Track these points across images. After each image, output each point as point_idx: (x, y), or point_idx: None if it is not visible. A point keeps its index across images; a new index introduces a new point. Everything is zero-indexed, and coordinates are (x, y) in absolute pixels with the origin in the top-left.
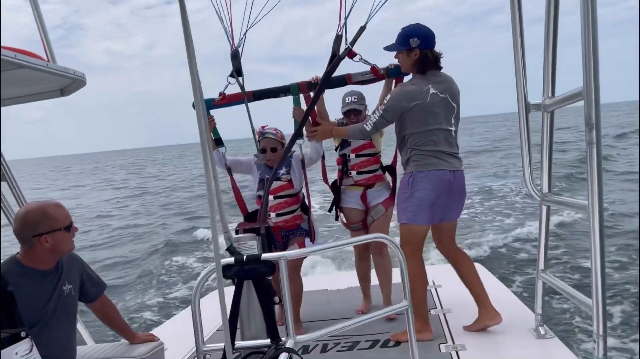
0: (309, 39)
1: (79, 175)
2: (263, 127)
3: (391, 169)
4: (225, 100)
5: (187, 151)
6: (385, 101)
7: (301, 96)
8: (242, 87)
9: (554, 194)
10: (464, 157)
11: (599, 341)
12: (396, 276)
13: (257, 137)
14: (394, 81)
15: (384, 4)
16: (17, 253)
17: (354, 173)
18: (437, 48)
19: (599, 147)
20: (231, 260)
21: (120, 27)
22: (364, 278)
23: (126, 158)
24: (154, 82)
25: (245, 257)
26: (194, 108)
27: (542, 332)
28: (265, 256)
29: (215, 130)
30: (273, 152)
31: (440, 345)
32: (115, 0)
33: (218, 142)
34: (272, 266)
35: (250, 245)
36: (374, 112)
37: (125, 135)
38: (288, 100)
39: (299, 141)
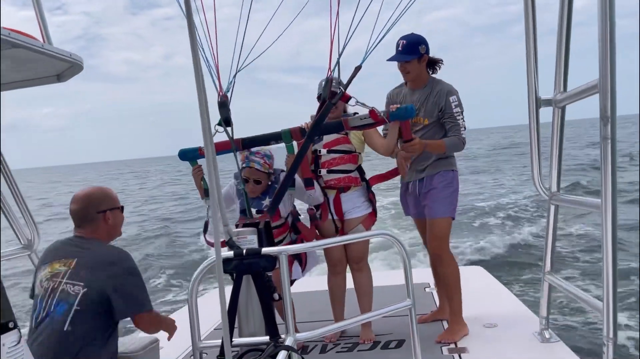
0: (325, 49)
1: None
2: (257, 152)
3: (368, 183)
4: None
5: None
6: (453, 103)
7: (295, 143)
8: (230, 137)
9: (563, 193)
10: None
11: (609, 344)
12: (381, 280)
13: (241, 159)
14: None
15: (379, 42)
16: (74, 235)
17: (324, 171)
18: (455, 58)
19: (614, 142)
20: (230, 253)
21: (140, 37)
22: (337, 300)
23: (146, 167)
24: (172, 91)
25: (244, 251)
26: (180, 158)
27: (547, 336)
28: (265, 250)
29: (203, 180)
30: (257, 184)
31: (443, 348)
32: (136, 11)
33: (207, 192)
34: (272, 260)
35: (250, 239)
36: (455, 119)
37: (144, 144)
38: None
39: (289, 190)
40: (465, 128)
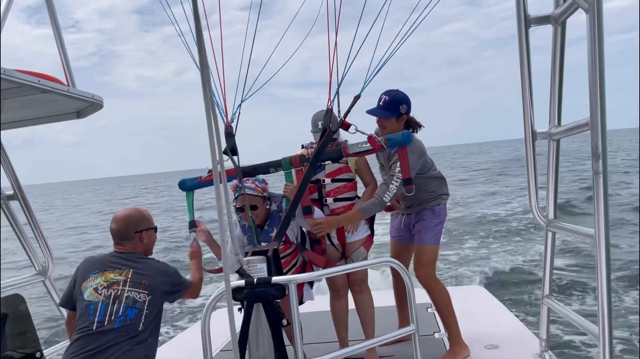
0: (353, 54)
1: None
2: (247, 179)
3: None
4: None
5: None
6: (397, 168)
7: (293, 170)
8: (237, 166)
9: (559, 221)
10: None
11: None
12: (383, 300)
13: (232, 189)
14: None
15: (378, 72)
16: (114, 250)
17: (330, 200)
18: (466, 72)
19: (605, 176)
20: (241, 282)
21: (152, 54)
22: (341, 322)
23: (158, 181)
24: (184, 106)
25: (255, 280)
26: (180, 188)
27: (547, 358)
28: (275, 279)
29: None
30: (254, 210)
31: None
32: (148, 29)
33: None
34: (282, 289)
35: (260, 268)
36: (390, 180)
37: (156, 159)
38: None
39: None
40: (392, 192)
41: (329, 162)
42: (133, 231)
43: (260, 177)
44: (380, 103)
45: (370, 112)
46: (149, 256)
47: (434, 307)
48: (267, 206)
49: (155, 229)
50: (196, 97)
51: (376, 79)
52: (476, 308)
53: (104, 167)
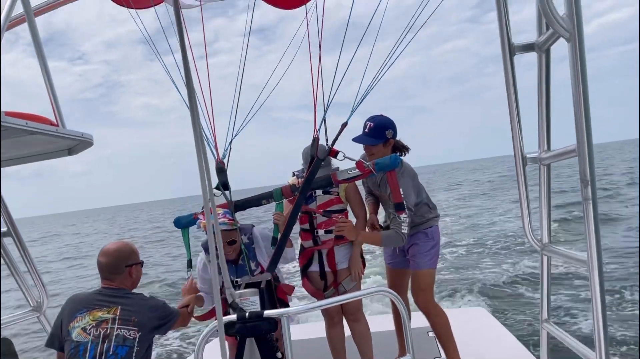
0: (336, 85)
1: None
2: (203, 215)
3: None
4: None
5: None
6: (403, 192)
7: (285, 201)
8: (229, 201)
9: (554, 245)
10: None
11: None
12: (382, 324)
13: (203, 228)
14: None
15: (364, 97)
16: (102, 286)
17: (321, 232)
18: (468, 88)
19: (594, 202)
20: (233, 317)
21: (157, 83)
22: (338, 350)
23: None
24: (190, 132)
25: (247, 314)
26: (175, 225)
27: None
28: (267, 313)
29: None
30: (232, 245)
31: None
32: (153, 58)
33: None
34: (275, 322)
35: (253, 301)
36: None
37: (165, 185)
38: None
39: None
40: (406, 222)
41: (320, 193)
42: (123, 266)
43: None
44: (366, 130)
45: (356, 139)
46: (136, 292)
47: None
48: (242, 244)
49: (142, 264)
50: (201, 122)
51: (379, 98)
52: (478, 331)
53: (112, 196)
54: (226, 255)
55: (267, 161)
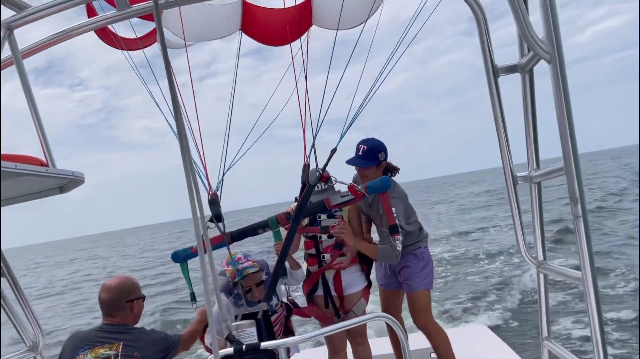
0: (335, 102)
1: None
2: (238, 259)
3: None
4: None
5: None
6: (395, 213)
7: (281, 228)
8: (223, 232)
9: (549, 262)
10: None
11: None
12: (381, 348)
13: (231, 276)
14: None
15: (352, 123)
16: (103, 322)
17: (327, 256)
18: (466, 100)
19: (585, 219)
20: (230, 350)
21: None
22: None
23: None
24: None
25: (244, 346)
26: (173, 260)
27: None
28: (264, 344)
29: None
30: (259, 286)
31: None
32: (152, 81)
33: (193, 296)
34: (272, 354)
35: (250, 332)
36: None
37: (168, 207)
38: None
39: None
40: (400, 241)
41: (325, 217)
42: (125, 301)
43: (246, 252)
44: (359, 153)
45: (350, 162)
46: (137, 326)
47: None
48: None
49: (144, 298)
50: (206, 144)
51: (378, 112)
52: (480, 349)
53: (115, 219)
54: (255, 297)
55: (269, 179)
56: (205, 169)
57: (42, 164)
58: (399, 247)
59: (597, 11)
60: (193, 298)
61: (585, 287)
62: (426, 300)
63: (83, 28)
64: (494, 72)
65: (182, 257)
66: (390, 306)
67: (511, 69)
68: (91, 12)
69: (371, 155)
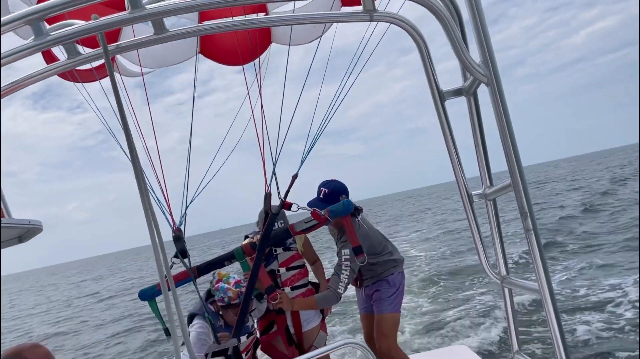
0: (299, 119)
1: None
2: (238, 281)
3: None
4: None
5: (228, 236)
6: (344, 256)
7: (248, 259)
8: (188, 268)
9: (511, 277)
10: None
11: None
12: None
13: (233, 297)
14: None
15: (310, 150)
16: None
17: (287, 289)
18: (463, 107)
19: (536, 233)
20: None
21: (156, 125)
22: None
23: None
24: (191, 171)
25: None
26: (140, 298)
27: None
28: None
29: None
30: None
31: None
32: (150, 100)
33: (167, 331)
34: None
35: None
36: (339, 271)
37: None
38: None
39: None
40: (344, 283)
41: (281, 251)
42: None
43: (233, 279)
44: (321, 196)
45: (311, 204)
46: None
47: None
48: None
49: None
50: (201, 160)
51: (378, 122)
52: None
53: (117, 241)
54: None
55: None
56: (168, 205)
57: None
58: (341, 290)
59: (588, 13)
60: (167, 333)
61: (543, 298)
62: (392, 324)
63: (34, 78)
64: (441, 97)
65: (149, 295)
66: (371, 330)
67: (457, 92)
68: (48, 55)
69: (332, 198)
